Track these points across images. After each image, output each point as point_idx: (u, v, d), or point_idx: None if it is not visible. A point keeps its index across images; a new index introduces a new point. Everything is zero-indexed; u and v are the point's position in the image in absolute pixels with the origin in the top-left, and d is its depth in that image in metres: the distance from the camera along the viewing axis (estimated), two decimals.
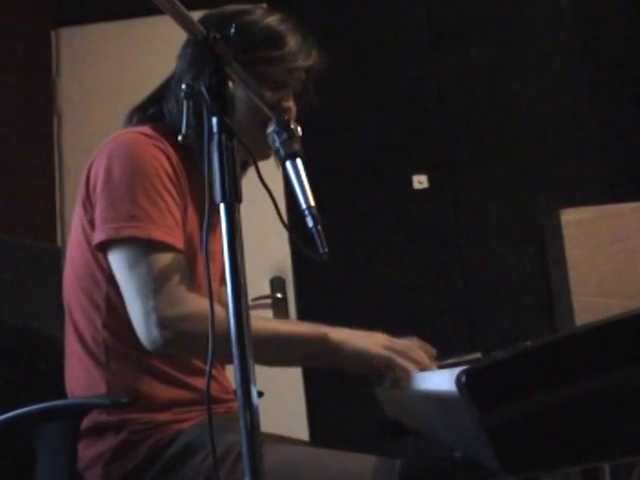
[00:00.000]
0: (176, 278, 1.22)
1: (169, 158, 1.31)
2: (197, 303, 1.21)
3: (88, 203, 1.31)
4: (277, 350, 1.27)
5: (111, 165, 1.28)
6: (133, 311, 1.23)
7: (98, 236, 1.26)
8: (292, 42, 1.38)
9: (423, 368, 1.24)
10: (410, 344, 1.31)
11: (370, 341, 1.27)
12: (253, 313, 1.29)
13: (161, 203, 1.26)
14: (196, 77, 1.33)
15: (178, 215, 1.29)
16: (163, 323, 1.19)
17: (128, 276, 1.23)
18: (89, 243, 1.31)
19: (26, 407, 1.21)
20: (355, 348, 1.26)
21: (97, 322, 1.32)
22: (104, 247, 1.27)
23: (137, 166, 1.27)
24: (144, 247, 1.23)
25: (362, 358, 1.26)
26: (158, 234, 1.24)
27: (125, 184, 1.25)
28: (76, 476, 1.25)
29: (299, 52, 1.39)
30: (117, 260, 1.25)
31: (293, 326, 1.31)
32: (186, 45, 1.43)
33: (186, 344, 1.22)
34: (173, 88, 1.41)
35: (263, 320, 1.32)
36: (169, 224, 1.26)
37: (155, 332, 1.19)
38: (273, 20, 1.39)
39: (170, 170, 1.30)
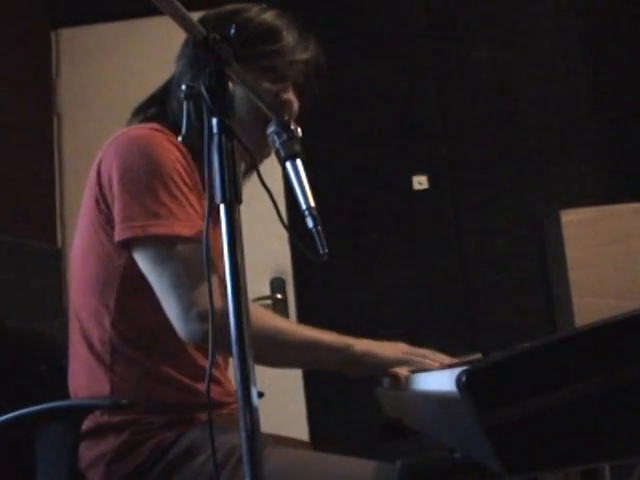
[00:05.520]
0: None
1: (181, 152, 1.31)
2: None
3: (102, 201, 1.31)
4: (303, 353, 1.31)
5: (126, 162, 1.28)
6: (170, 306, 1.23)
7: (123, 233, 1.26)
8: (288, 36, 1.41)
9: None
10: (430, 351, 1.35)
11: (391, 349, 1.33)
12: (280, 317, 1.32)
13: (181, 197, 1.27)
14: (196, 78, 1.34)
15: (198, 206, 1.30)
16: (203, 316, 1.20)
17: (160, 273, 1.24)
18: (101, 242, 1.31)
19: (26, 408, 1.21)
20: (378, 357, 1.30)
21: (105, 322, 1.31)
22: (128, 245, 1.27)
23: (154, 162, 1.27)
24: (170, 243, 1.24)
25: (383, 366, 1.30)
26: (182, 229, 1.25)
27: (144, 181, 1.26)
28: (76, 477, 1.25)
29: (296, 45, 1.41)
30: (145, 258, 1.26)
31: (320, 333, 1.32)
32: (185, 46, 1.44)
33: (224, 337, 1.22)
34: (174, 90, 1.41)
35: (291, 323, 1.33)
36: (191, 217, 1.27)
37: (195, 325, 1.20)
38: (269, 16, 1.42)
39: (185, 163, 1.31)
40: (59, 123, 3.42)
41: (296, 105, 1.45)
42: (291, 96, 1.43)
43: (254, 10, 1.42)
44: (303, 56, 1.42)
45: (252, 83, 1.11)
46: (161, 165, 1.27)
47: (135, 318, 1.30)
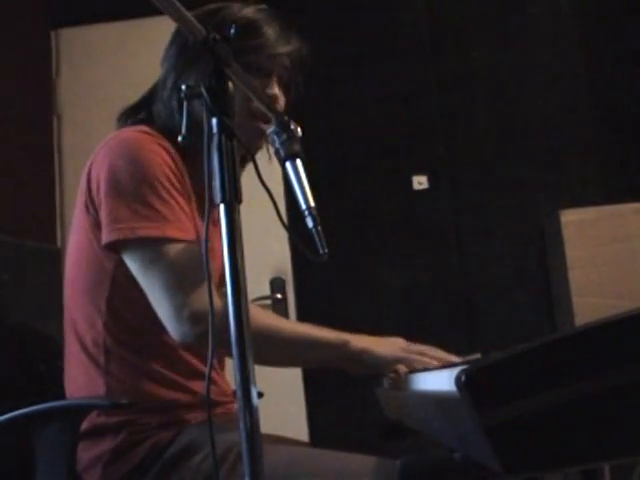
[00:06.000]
0: (197, 271, 1.22)
1: (171, 155, 1.31)
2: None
3: (91, 205, 1.31)
4: (303, 352, 1.32)
5: (115, 165, 1.28)
6: (161, 308, 1.23)
7: (110, 236, 1.25)
8: (269, 30, 1.40)
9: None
10: (428, 347, 1.35)
11: (389, 346, 1.33)
12: (277, 316, 1.33)
13: (170, 200, 1.27)
14: (181, 76, 1.36)
15: (187, 209, 1.30)
16: (195, 318, 1.19)
17: (150, 274, 1.24)
18: (92, 245, 1.31)
19: (25, 408, 1.20)
20: (375, 354, 1.30)
21: (98, 325, 1.32)
22: (116, 247, 1.27)
23: (143, 165, 1.27)
24: (160, 245, 1.24)
25: (381, 364, 1.30)
26: (172, 232, 1.25)
27: (133, 184, 1.26)
28: (75, 477, 1.25)
29: (277, 39, 1.41)
30: (135, 260, 1.26)
31: (318, 330, 1.32)
32: (169, 47, 1.44)
33: (220, 337, 1.22)
34: (159, 91, 1.42)
35: (290, 322, 1.33)
36: (181, 219, 1.27)
37: (187, 327, 1.20)
38: (249, 12, 1.41)
39: (174, 166, 1.31)
40: (59, 123, 3.42)
41: (282, 100, 1.45)
42: (276, 91, 1.43)
43: (235, 7, 1.42)
44: (285, 49, 1.42)
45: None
46: (149, 168, 1.27)
47: (127, 320, 1.30)
